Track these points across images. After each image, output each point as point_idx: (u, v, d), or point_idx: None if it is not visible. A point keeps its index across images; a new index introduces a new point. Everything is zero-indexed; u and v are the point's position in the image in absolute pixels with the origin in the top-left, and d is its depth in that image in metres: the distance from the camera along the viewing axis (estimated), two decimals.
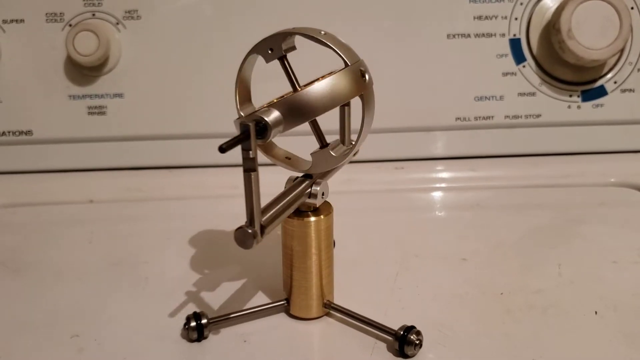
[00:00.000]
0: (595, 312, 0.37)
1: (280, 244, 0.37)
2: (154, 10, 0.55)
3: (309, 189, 0.35)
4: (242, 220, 0.49)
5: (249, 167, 0.29)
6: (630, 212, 0.52)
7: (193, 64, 0.56)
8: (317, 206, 0.36)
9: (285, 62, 0.34)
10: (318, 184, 0.35)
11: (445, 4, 0.56)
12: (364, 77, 0.33)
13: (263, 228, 0.31)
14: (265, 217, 0.31)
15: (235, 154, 0.58)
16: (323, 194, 0.35)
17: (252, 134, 0.29)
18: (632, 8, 0.55)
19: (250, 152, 0.29)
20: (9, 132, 0.56)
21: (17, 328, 0.37)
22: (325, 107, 0.32)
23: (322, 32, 0.33)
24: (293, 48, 0.35)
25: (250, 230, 0.30)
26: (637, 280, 0.41)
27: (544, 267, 0.43)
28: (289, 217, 0.36)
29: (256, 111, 0.32)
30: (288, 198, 0.33)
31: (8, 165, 0.57)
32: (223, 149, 0.28)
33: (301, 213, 0.36)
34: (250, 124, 0.29)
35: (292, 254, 0.36)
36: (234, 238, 0.30)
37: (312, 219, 0.35)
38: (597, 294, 0.39)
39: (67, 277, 0.43)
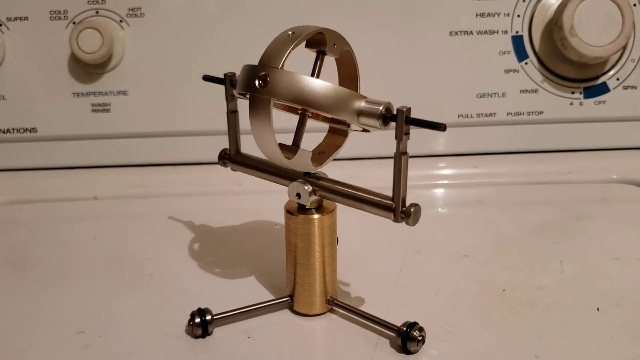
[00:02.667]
0: (597, 309, 0.38)
1: (284, 241, 0.37)
2: (157, 7, 0.55)
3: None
4: (244, 215, 0.50)
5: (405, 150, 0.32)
6: (632, 209, 0.52)
7: (196, 61, 0.56)
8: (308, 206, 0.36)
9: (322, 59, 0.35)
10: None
11: (448, 1, 0.56)
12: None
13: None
14: None
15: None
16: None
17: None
18: (634, 5, 0.55)
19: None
20: (13, 129, 0.57)
21: (23, 324, 0.37)
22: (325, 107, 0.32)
23: None
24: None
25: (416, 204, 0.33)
26: (639, 277, 0.41)
27: (546, 263, 0.43)
28: (292, 214, 0.36)
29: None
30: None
31: (13, 163, 0.57)
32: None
33: (305, 210, 0.36)
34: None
35: (296, 251, 0.36)
36: (414, 222, 0.33)
37: (316, 216, 0.36)
38: (599, 291, 0.40)
39: (72, 273, 0.43)
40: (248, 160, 0.39)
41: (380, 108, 0.31)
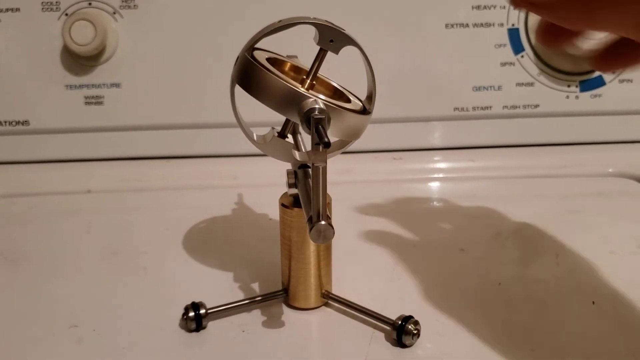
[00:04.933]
0: (593, 302, 0.38)
1: (279, 234, 0.37)
2: None
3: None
4: (239, 209, 0.49)
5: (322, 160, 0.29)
6: (628, 203, 0.52)
7: (190, 53, 0.56)
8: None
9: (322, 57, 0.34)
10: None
11: None
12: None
13: (328, 218, 0.30)
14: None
15: (232, 144, 0.58)
16: None
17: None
18: None
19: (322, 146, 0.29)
20: (5, 122, 0.56)
21: (16, 318, 0.37)
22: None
23: None
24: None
25: (326, 223, 0.30)
26: (635, 271, 0.41)
27: (542, 257, 0.43)
28: (287, 207, 0.36)
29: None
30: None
31: (5, 156, 0.57)
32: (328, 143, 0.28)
33: (300, 204, 0.36)
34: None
35: (291, 245, 0.36)
36: (315, 238, 0.30)
37: None
38: (595, 285, 0.40)
39: (66, 267, 0.43)
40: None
41: (305, 112, 0.30)
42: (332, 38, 0.33)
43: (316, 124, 0.29)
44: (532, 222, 0.48)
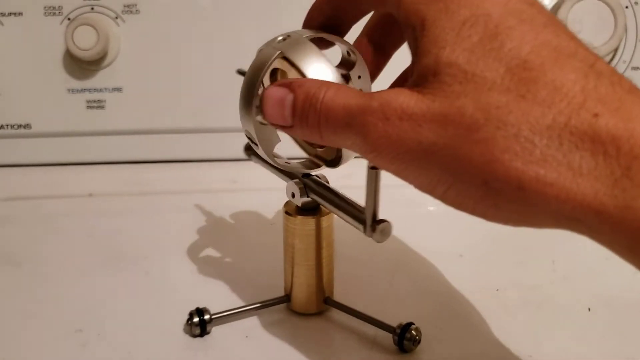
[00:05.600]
0: (589, 309, 0.38)
1: (281, 239, 0.38)
2: (152, 4, 0.55)
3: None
4: (240, 213, 0.50)
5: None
6: None
7: (192, 58, 0.56)
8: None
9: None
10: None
11: None
12: None
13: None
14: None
15: (232, 149, 0.58)
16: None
17: None
18: (626, 7, 0.55)
19: None
20: (7, 125, 0.56)
21: (20, 322, 0.38)
22: None
23: None
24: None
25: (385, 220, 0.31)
26: (630, 277, 0.42)
27: (538, 263, 0.44)
28: (290, 215, 0.36)
29: None
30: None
31: (6, 159, 0.57)
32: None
33: (303, 211, 0.36)
34: None
35: (294, 251, 0.37)
36: (379, 238, 0.31)
37: (314, 217, 0.36)
38: (591, 291, 0.40)
39: (69, 271, 0.43)
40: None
41: None
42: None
43: None
44: (529, 228, 0.49)
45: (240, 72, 0.34)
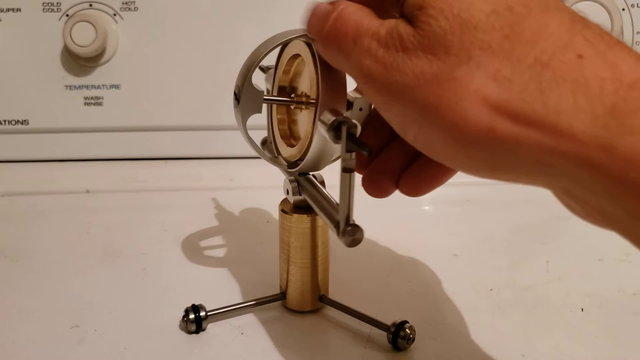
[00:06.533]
0: (582, 309, 0.39)
1: (277, 237, 0.38)
2: (151, 1, 0.56)
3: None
4: (237, 211, 0.50)
5: (350, 167, 0.29)
6: None
7: (189, 55, 0.56)
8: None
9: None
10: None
11: None
12: None
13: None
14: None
15: (229, 146, 0.59)
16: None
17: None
18: (623, 9, 0.56)
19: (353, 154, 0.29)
20: (5, 121, 0.57)
21: (18, 318, 0.38)
22: None
23: None
24: None
25: (357, 226, 0.30)
26: (622, 278, 0.43)
27: (532, 263, 0.44)
28: (286, 213, 0.37)
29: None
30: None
31: (4, 154, 0.57)
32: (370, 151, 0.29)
33: (299, 210, 0.36)
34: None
35: (289, 249, 0.37)
36: (349, 242, 0.30)
37: (310, 216, 0.36)
38: (584, 291, 0.41)
39: (66, 267, 0.43)
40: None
41: (332, 120, 0.30)
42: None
43: (348, 132, 0.29)
44: (523, 229, 0.50)
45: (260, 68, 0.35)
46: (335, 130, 0.30)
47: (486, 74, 0.24)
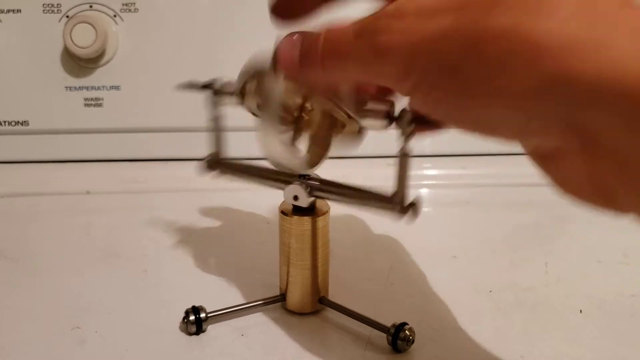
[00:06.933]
0: (580, 311, 0.39)
1: (276, 238, 0.38)
2: (151, 2, 0.56)
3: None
4: (237, 212, 0.50)
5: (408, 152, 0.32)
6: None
7: (189, 56, 0.56)
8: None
9: None
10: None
11: None
12: None
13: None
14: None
15: (229, 148, 0.59)
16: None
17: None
18: None
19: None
20: (5, 122, 0.57)
21: (18, 319, 0.38)
22: None
23: None
24: None
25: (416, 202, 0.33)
26: (621, 280, 0.43)
27: (532, 265, 0.44)
28: (286, 215, 0.37)
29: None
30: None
31: (4, 155, 0.57)
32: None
33: (299, 211, 0.37)
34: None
35: (289, 251, 0.37)
36: (413, 218, 0.33)
37: (310, 217, 0.36)
38: (583, 293, 0.41)
39: (67, 268, 0.43)
40: (236, 165, 0.39)
41: (386, 107, 0.31)
42: None
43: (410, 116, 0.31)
44: (523, 230, 0.50)
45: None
46: (396, 117, 0.31)
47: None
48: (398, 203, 0.32)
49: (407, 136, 0.31)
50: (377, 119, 0.32)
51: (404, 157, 0.32)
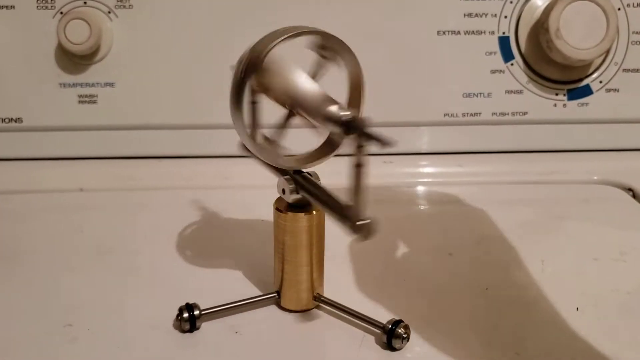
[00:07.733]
0: (577, 308, 0.39)
1: (272, 236, 0.38)
2: None
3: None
4: (232, 210, 0.50)
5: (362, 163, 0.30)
6: (612, 210, 0.53)
7: (185, 53, 0.56)
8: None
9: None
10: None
11: (436, 0, 0.56)
12: None
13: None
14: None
15: (224, 145, 0.58)
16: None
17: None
18: (619, 9, 0.56)
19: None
20: None
21: (10, 316, 0.37)
22: None
23: None
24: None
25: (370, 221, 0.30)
26: (617, 278, 0.43)
27: (528, 262, 0.44)
28: (281, 211, 0.37)
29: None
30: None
31: None
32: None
33: (293, 208, 0.36)
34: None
35: (284, 248, 0.37)
36: (363, 237, 0.30)
37: (304, 214, 0.36)
38: (579, 290, 0.41)
39: (60, 265, 0.43)
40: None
41: (342, 115, 0.30)
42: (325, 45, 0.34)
43: (360, 126, 0.29)
44: (519, 228, 0.49)
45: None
46: (347, 126, 0.30)
47: None
48: (349, 219, 0.30)
49: (361, 147, 0.29)
50: (331, 126, 0.31)
51: (357, 169, 0.30)
